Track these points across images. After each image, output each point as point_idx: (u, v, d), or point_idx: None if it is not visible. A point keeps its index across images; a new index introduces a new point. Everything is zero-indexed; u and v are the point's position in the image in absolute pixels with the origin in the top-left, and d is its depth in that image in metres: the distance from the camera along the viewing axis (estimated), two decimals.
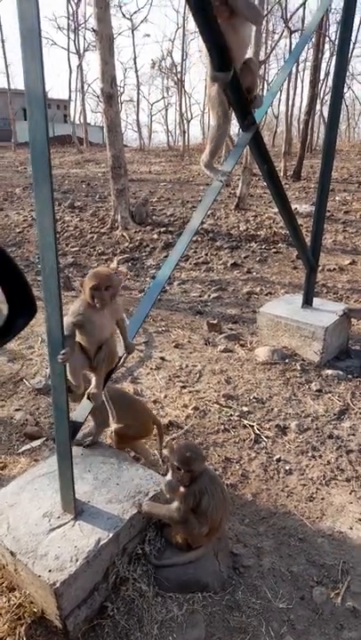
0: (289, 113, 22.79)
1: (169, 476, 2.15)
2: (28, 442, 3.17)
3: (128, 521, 2.13)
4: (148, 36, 68.21)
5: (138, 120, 36.91)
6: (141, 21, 69.50)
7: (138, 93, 37.32)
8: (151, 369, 4.18)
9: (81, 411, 2.12)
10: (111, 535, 2.04)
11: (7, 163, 23.47)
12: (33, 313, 0.82)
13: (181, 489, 2.09)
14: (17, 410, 3.53)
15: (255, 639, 1.96)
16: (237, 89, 2.71)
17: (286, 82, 19.64)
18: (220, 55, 2.44)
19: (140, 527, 2.23)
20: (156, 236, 9.33)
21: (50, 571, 1.87)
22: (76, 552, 1.96)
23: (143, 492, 2.30)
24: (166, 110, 43.18)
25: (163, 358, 4.38)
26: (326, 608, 2.11)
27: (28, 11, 1.43)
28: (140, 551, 2.20)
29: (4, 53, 35.97)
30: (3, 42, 31.97)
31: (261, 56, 16.49)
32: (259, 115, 3.09)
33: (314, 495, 2.81)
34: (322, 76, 23.89)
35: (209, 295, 6.40)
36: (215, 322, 5.21)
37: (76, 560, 1.92)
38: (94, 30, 8.51)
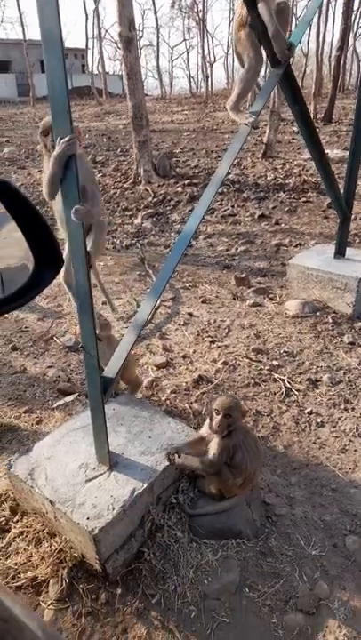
0: (319, 50, 21.27)
1: (205, 427, 2.18)
2: (62, 397, 3.24)
3: (161, 472, 2.18)
4: None
5: (158, 66, 35.34)
6: None
7: (157, 37, 35.65)
8: (179, 325, 4.16)
9: (112, 366, 2.12)
10: (145, 485, 2.09)
11: (27, 119, 23.04)
12: (59, 267, 0.79)
13: (216, 440, 2.11)
14: (49, 367, 3.60)
15: (288, 584, 2.01)
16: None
17: (317, 15, 18.23)
18: None
19: (173, 478, 2.28)
20: (180, 189, 9.08)
21: (88, 518, 1.94)
22: (112, 501, 2.02)
23: (175, 444, 2.34)
24: (188, 54, 41.52)
25: (190, 314, 4.35)
26: (359, 555, 2.14)
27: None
28: (173, 500, 2.26)
29: (18, 1, 34.52)
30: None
31: None
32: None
33: (346, 447, 2.79)
34: (356, 6, 22.02)
35: (236, 249, 6.25)
36: (243, 276, 5.10)
37: (113, 509, 1.98)
38: None
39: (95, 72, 34.70)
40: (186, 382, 3.29)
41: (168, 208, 8.33)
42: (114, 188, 9.49)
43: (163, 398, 3.13)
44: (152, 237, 6.96)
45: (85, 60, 41.39)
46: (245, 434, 2.17)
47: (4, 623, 0.47)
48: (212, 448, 2.12)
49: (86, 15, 33.22)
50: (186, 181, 9.52)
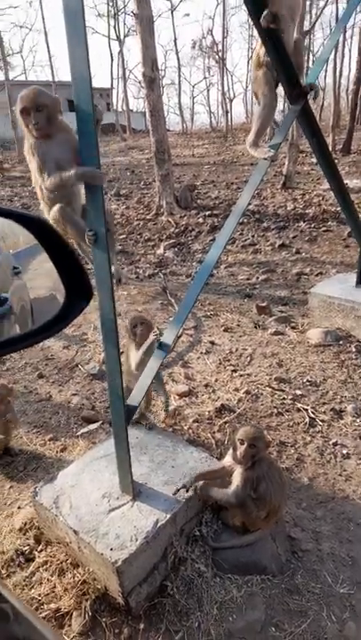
0: (337, 84, 21.74)
1: (228, 458, 2.16)
2: (86, 425, 3.26)
3: (185, 503, 2.16)
4: (188, 15, 66.18)
5: (180, 103, 36.59)
6: (181, 0, 67.61)
7: (179, 75, 36.90)
8: (201, 353, 4.18)
9: (136, 395, 2.15)
10: (169, 516, 2.07)
11: None
12: (89, 299, 0.83)
13: (239, 471, 2.09)
14: (74, 394, 3.65)
15: (316, 623, 1.94)
16: (284, 55, 2.62)
17: (333, 51, 18.72)
18: None
19: (196, 509, 2.25)
20: (201, 220, 9.26)
21: (111, 549, 1.93)
22: (135, 532, 2.00)
23: (198, 472, 2.32)
24: (208, 91, 42.54)
25: (212, 342, 4.37)
26: None
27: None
28: (197, 533, 2.23)
29: (48, 45, 36.47)
30: (46, 34, 32.46)
31: (306, 26, 15.75)
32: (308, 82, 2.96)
33: None
34: None
35: (257, 277, 6.29)
36: (264, 304, 5.12)
37: (136, 539, 1.97)
38: (134, 14, 8.43)
39: (119, 110, 36.09)
40: (208, 411, 3.28)
41: (190, 238, 8.48)
42: (137, 220, 9.73)
43: (185, 427, 3.12)
44: (174, 267, 7.07)
45: (110, 98, 43.19)
46: (269, 465, 2.14)
47: None
48: (236, 479, 2.10)
49: (111, 57, 34.78)
50: (207, 212, 9.71)
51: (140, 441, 2.60)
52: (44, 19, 33.96)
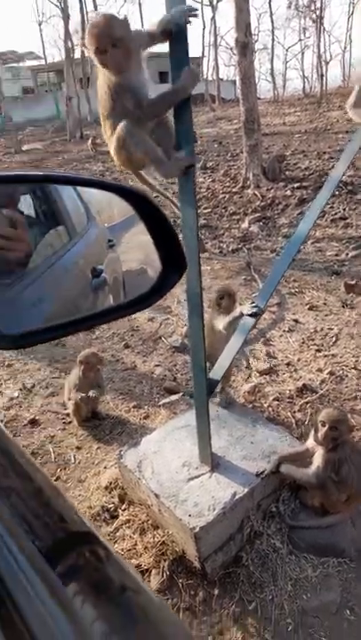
0: None
1: (310, 440, 2.13)
2: (167, 395, 3.37)
3: (262, 479, 2.17)
4: None
5: (272, 69, 34.89)
6: None
7: (272, 39, 35.17)
8: (284, 331, 4.09)
9: (218, 368, 2.17)
10: (246, 490, 2.10)
11: None
12: (183, 272, 0.84)
13: (320, 452, 2.05)
14: (157, 365, 3.77)
15: None
16: None
17: None
18: None
19: (274, 486, 2.26)
20: (289, 193, 8.89)
21: (190, 515, 2.00)
22: (213, 502, 2.06)
23: (277, 452, 2.31)
24: (302, 54, 40.14)
25: (296, 320, 4.25)
26: None
27: None
28: (274, 509, 2.24)
29: (141, 16, 36.41)
30: (140, 4, 32.43)
31: None
32: None
33: None
34: None
35: (347, 254, 5.95)
36: (354, 282, 4.84)
37: (214, 509, 2.02)
38: None
39: (209, 79, 35.32)
40: (289, 390, 3.23)
41: (276, 212, 8.21)
42: (222, 193, 9.59)
43: (265, 405, 3.11)
44: (259, 242, 6.92)
45: (200, 67, 42.41)
46: (352, 448, 2.08)
47: (138, 594, 0.53)
48: (317, 460, 2.06)
49: (203, 24, 33.88)
50: (295, 184, 9.29)
51: (219, 414, 2.63)
52: None
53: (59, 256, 1.16)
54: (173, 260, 0.82)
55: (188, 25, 1.50)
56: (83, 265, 1.29)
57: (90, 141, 17.17)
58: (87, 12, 25.26)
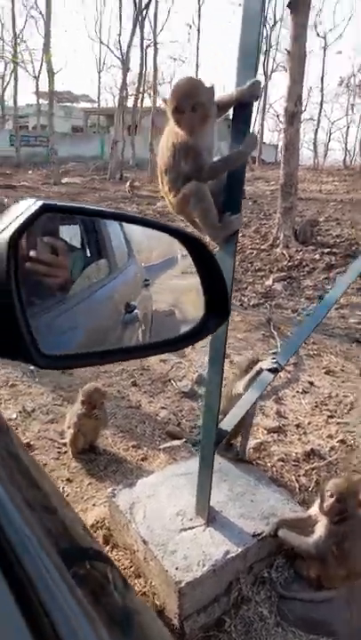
0: None
1: (314, 508, 2.06)
2: (169, 440, 3.32)
3: (258, 541, 2.09)
4: (341, 53, 65.96)
5: (315, 139, 36.32)
6: (336, 39, 66.93)
7: (320, 112, 36.77)
8: (297, 392, 4.04)
9: (229, 420, 2.14)
10: (240, 550, 2.02)
11: None
12: (225, 319, 0.87)
13: (324, 522, 1.98)
14: (162, 408, 3.73)
15: None
16: None
17: None
18: None
19: (269, 550, 2.17)
20: (317, 257, 9.02)
21: (177, 568, 1.93)
22: (203, 557, 1.98)
23: (278, 514, 2.23)
24: (347, 128, 41.56)
25: (311, 383, 4.20)
26: None
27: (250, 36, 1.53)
28: (266, 575, 2.14)
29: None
30: (197, 66, 34.48)
31: None
32: None
33: None
34: None
35: None
36: None
37: (203, 565, 1.95)
38: (287, 51, 8.64)
39: None
40: (296, 453, 3.15)
41: (302, 273, 8.30)
42: (250, 249, 9.78)
43: (269, 464, 3.03)
44: (280, 300, 6.97)
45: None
46: (359, 524, 1.99)
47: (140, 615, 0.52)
48: (319, 530, 1.99)
49: None
50: (325, 249, 9.43)
51: (222, 467, 2.57)
52: (198, 53, 36.04)
53: (97, 288, 1.20)
54: (217, 306, 0.84)
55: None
56: (118, 299, 1.34)
57: (128, 183, 17.88)
58: (146, 67, 27.19)
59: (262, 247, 9.90)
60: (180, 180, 1.69)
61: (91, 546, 0.75)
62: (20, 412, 3.53)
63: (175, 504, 2.30)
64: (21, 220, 0.60)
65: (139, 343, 1.07)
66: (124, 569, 2.21)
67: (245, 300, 6.84)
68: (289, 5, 8.29)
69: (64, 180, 20.92)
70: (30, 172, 24.73)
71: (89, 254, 1.22)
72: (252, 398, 2.18)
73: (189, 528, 2.15)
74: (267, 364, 2.18)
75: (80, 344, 1.00)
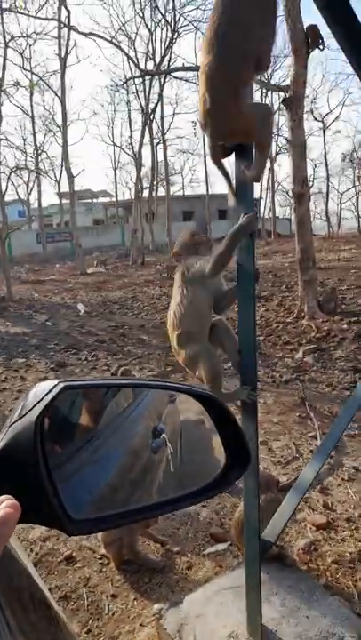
0: None
1: None
2: (213, 543, 3.14)
3: None
4: (339, 132, 70.09)
5: (327, 210, 37.55)
6: (333, 121, 71.60)
7: (327, 185, 38.36)
8: (343, 479, 3.83)
9: (272, 530, 2.04)
10: None
11: None
12: (245, 469, 0.87)
13: None
14: (203, 506, 3.58)
15: None
16: None
17: None
18: None
19: None
20: (345, 327, 8.95)
21: None
22: None
23: (337, 634, 2.04)
24: (357, 198, 42.97)
25: (356, 469, 3.98)
26: None
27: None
28: None
29: (205, 165, 41.49)
30: (205, 156, 37.14)
31: None
32: None
33: None
34: None
35: None
36: None
37: None
38: (288, 140, 9.27)
39: (266, 217, 38.47)
40: (350, 552, 2.92)
41: (332, 344, 8.20)
42: (276, 322, 9.82)
43: (322, 567, 2.80)
44: (313, 373, 6.84)
45: (257, 207, 46.53)
46: None
47: None
48: None
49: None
50: (352, 318, 9.38)
51: (270, 578, 2.40)
52: (204, 145, 39.14)
53: (127, 415, 1.21)
54: (239, 458, 0.86)
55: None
56: (145, 424, 1.34)
57: (165, 265, 18.56)
58: (158, 162, 29.99)
59: (288, 320, 9.93)
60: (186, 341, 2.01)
61: None
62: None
63: (225, 624, 2.14)
64: (44, 403, 0.66)
65: (170, 496, 1.03)
66: None
67: (277, 375, 6.74)
68: (283, 103, 9.02)
69: (90, 270, 22.03)
70: (57, 265, 26.21)
71: None
72: (294, 502, 2.09)
73: None
74: None
75: (110, 485, 0.99)
